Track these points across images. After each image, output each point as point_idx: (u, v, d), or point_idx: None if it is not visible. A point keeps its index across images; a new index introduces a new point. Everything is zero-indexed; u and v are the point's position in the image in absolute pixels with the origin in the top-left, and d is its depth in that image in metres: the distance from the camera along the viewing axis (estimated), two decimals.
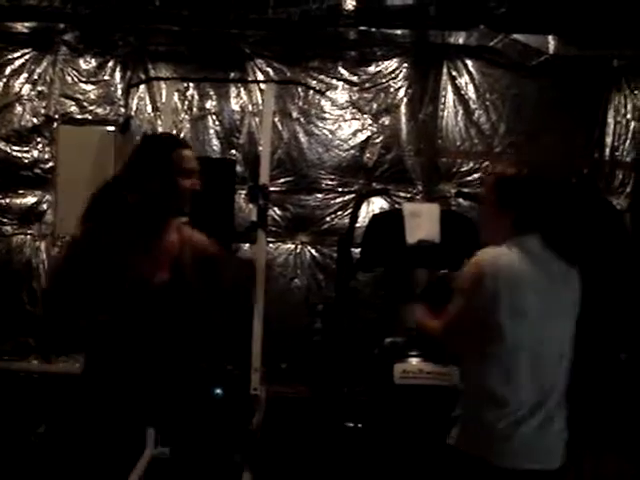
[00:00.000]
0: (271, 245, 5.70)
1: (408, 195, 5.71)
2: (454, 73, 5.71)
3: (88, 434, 2.75)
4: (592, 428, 4.32)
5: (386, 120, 5.78)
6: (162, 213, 2.75)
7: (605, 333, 4.65)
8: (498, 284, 2.48)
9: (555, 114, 5.58)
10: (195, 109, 5.85)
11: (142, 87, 5.86)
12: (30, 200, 5.94)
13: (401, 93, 5.75)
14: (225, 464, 4.14)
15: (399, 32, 5.43)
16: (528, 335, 2.52)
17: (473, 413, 2.59)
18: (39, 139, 5.92)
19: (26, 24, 5.63)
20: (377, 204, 5.69)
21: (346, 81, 5.79)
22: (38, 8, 5.21)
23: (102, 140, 5.73)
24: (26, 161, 5.92)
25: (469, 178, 5.68)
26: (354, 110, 5.80)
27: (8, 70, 5.91)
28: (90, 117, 5.88)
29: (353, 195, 5.70)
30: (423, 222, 4.51)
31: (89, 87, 5.89)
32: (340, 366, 4.85)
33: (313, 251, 5.78)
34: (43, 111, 5.91)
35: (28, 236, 5.94)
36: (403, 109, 5.76)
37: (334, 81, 5.79)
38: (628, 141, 5.64)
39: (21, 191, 5.94)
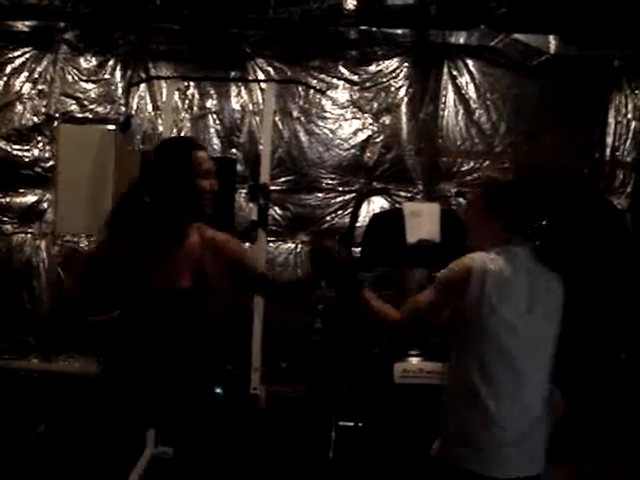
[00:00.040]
0: (271, 244, 5.70)
1: (408, 195, 5.71)
2: (455, 73, 5.71)
3: (101, 434, 2.75)
4: (592, 428, 4.32)
5: (387, 119, 5.78)
6: (183, 216, 2.75)
7: (605, 333, 4.65)
8: (485, 287, 2.47)
9: (556, 114, 5.58)
10: (196, 108, 5.85)
11: (143, 86, 5.86)
12: (30, 199, 5.94)
13: (402, 92, 5.76)
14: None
15: (400, 32, 5.43)
16: (511, 340, 2.50)
17: (456, 422, 2.57)
18: (39, 138, 5.93)
19: (27, 23, 5.63)
20: (377, 203, 5.69)
21: (347, 80, 5.79)
22: (38, 7, 5.21)
23: (102, 139, 5.71)
24: (26, 160, 5.93)
25: (469, 178, 5.67)
26: (355, 109, 5.80)
27: (9, 69, 5.92)
28: (90, 116, 5.89)
29: (353, 194, 5.70)
30: (423, 222, 4.50)
31: (90, 86, 5.89)
32: (340, 366, 4.85)
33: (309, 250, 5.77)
34: (43, 110, 5.91)
35: (28, 235, 5.95)
36: (404, 108, 5.76)
37: (335, 80, 5.79)
38: (629, 141, 5.64)
39: (21, 190, 5.95)
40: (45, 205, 5.93)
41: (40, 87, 5.91)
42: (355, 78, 5.78)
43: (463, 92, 5.70)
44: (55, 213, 5.80)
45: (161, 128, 5.55)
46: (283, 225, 5.81)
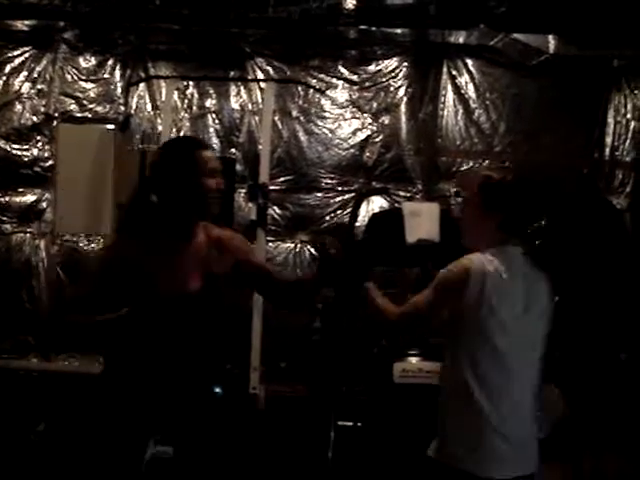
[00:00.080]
0: (270, 244, 5.70)
1: (408, 194, 5.71)
2: (454, 72, 5.70)
3: (104, 434, 2.75)
4: (592, 428, 4.32)
5: (386, 119, 5.77)
6: (190, 215, 2.75)
7: (605, 333, 4.65)
8: (484, 289, 2.48)
9: (555, 114, 5.58)
10: (195, 108, 5.85)
11: (142, 85, 5.86)
12: (30, 198, 5.94)
13: (401, 92, 5.75)
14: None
15: (399, 31, 5.43)
16: (506, 341, 2.51)
17: (452, 422, 2.58)
18: (39, 137, 5.92)
19: (26, 22, 5.63)
20: (377, 203, 5.68)
21: (346, 80, 5.78)
22: (38, 6, 5.21)
23: (102, 138, 5.73)
24: (26, 159, 5.92)
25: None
26: (354, 109, 5.80)
27: (8, 68, 5.91)
28: (90, 115, 5.88)
29: (353, 194, 5.70)
30: (423, 221, 4.50)
31: (89, 85, 5.89)
32: (339, 365, 4.84)
33: (313, 250, 5.78)
34: (43, 109, 5.91)
35: (28, 234, 5.94)
36: (403, 108, 5.76)
37: (334, 80, 5.78)
38: (628, 141, 5.64)
39: (21, 189, 5.94)
40: (44, 204, 5.92)
41: (39, 86, 5.91)
42: (354, 78, 5.77)
43: (462, 92, 5.70)
44: (54, 212, 5.81)
45: (160, 128, 5.55)
46: (282, 225, 5.80)
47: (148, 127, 5.85)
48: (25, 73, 5.91)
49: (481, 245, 2.61)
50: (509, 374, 2.53)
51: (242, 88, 5.82)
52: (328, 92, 5.78)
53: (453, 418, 2.57)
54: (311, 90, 5.77)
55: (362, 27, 5.25)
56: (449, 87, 5.72)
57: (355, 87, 5.79)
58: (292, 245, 5.83)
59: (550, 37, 5.12)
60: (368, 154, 5.78)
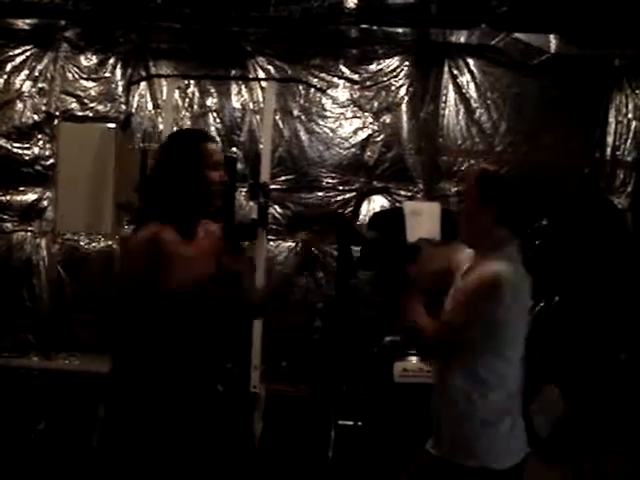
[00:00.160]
0: (271, 243, 5.69)
1: (409, 194, 5.70)
2: (455, 72, 5.69)
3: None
4: (592, 427, 4.32)
5: (387, 118, 5.77)
6: (193, 208, 2.75)
7: (605, 333, 4.65)
8: (517, 299, 2.56)
9: (556, 113, 5.57)
10: (196, 106, 5.84)
11: (143, 84, 5.85)
12: (31, 197, 5.93)
13: (402, 91, 5.75)
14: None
15: (400, 30, 5.42)
16: (518, 341, 2.63)
17: (469, 422, 2.61)
18: (40, 136, 5.92)
19: (27, 21, 5.62)
20: (378, 202, 5.68)
21: (347, 79, 5.78)
22: (39, 5, 5.22)
23: (103, 137, 5.73)
24: (27, 158, 5.92)
25: None
26: (355, 108, 5.79)
27: (9, 67, 5.91)
28: (91, 114, 5.88)
29: (354, 193, 5.70)
30: (424, 221, 4.50)
31: (90, 84, 5.88)
32: (340, 364, 4.85)
33: (313, 249, 5.77)
34: (44, 108, 5.91)
35: (29, 233, 5.94)
36: (404, 107, 5.75)
37: (335, 79, 5.78)
38: (629, 140, 5.63)
39: (22, 188, 5.94)
40: (45, 203, 5.92)
41: (40, 85, 5.90)
42: (356, 77, 5.76)
43: (464, 91, 5.69)
44: (55, 211, 5.82)
45: (161, 126, 5.54)
46: (283, 224, 5.80)
47: (149, 126, 5.85)
48: (26, 72, 5.90)
49: (478, 239, 2.63)
50: (513, 369, 2.64)
51: (243, 87, 5.81)
52: (329, 91, 5.78)
53: (472, 418, 2.62)
54: (312, 89, 5.76)
55: (363, 26, 5.25)
56: (450, 86, 5.71)
57: (356, 86, 5.78)
58: (293, 244, 5.82)
59: (551, 37, 5.11)
60: (369, 153, 5.77)
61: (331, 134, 5.79)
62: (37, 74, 5.90)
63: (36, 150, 5.92)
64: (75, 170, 5.66)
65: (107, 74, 5.87)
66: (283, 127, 5.76)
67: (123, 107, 5.86)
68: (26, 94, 5.92)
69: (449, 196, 5.57)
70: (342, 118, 5.79)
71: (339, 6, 4.99)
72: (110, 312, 2.87)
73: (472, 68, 5.67)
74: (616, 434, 4.37)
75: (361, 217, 5.29)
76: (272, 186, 5.23)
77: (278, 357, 5.47)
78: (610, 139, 5.62)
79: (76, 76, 5.88)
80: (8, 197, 5.94)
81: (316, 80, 5.76)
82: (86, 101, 5.88)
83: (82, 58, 5.88)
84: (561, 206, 5.20)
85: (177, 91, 5.69)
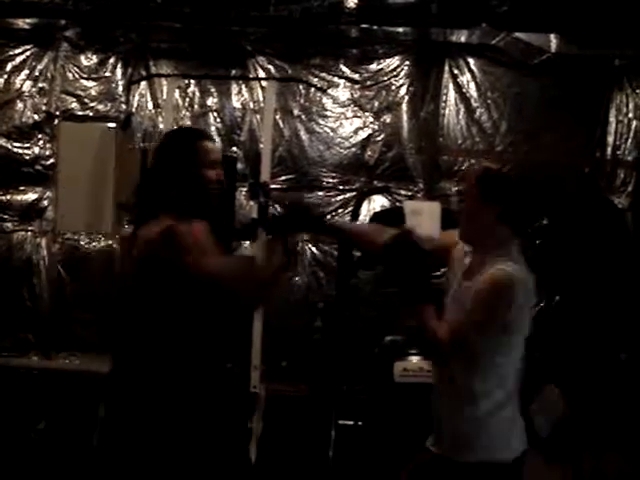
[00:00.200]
0: None
1: (409, 193, 5.70)
2: (456, 71, 5.69)
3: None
4: (592, 427, 4.32)
5: (387, 118, 5.76)
6: (191, 206, 2.75)
7: (605, 333, 4.65)
8: (527, 298, 2.58)
9: (557, 113, 5.57)
10: (196, 106, 5.84)
11: (143, 84, 5.85)
12: (31, 197, 5.93)
13: (402, 91, 5.74)
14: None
15: (401, 30, 5.42)
16: (520, 341, 2.65)
17: (469, 420, 2.63)
18: (40, 135, 5.92)
19: (27, 20, 5.62)
20: (378, 202, 5.68)
21: (347, 79, 5.77)
22: (39, 4, 5.22)
23: (103, 137, 5.74)
24: (27, 157, 5.92)
25: None
26: (355, 108, 5.79)
27: (9, 66, 5.91)
28: (91, 114, 5.88)
29: (354, 193, 5.69)
30: (424, 220, 4.49)
31: (90, 84, 5.89)
32: (340, 364, 4.85)
33: (314, 249, 5.77)
34: (44, 107, 5.91)
35: (29, 233, 5.94)
36: (404, 107, 5.75)
37: (335, 79, 5.77)
38: (630, 140, 5.63)
39: (22, 187, 5.94)
40: (45, 203, 5.92)
41: (41, 85, 5.90)
42: (356, 76, 5.76)
43: (464, 91, 5.69)
44: (55, 211, 5.83)
45: (162, 126, 5.54)
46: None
47: (149, 125, 5.85)
48: (26, 71, 5.91)
49: (479, 238, 2.63)
50: (515, 365, 2.67)
51: (243, 87, 5.81)
52: (329, 91, 5.77)
53: (472, 418, 2.63)
54: (312, 89, 5.76)
55: (364, 26, 5.24)
56: (451, 86, 5.70)
57: (356, 86, 5.78)
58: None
59: (552, 36, 5.11)
60: (369, 153, 5.77)
61: (331, 134, 5.79)
62: (37, 74, 5.90)
63: (36, 150, 5.92)
64: (75, 170, 5.66)
65: (107, 74, 5.87)
66: (283, 127, 5.76)
67: (123, 107, 5.86)
68: (26, 94, 5.92)
69: (449, 195, 5.57)
70: (342, 118, 5.79)
71: (339, 6, 4.99)
72: (110, 312, 2.87)
73: (472, 68, 5.67)
74: (616, 434, 4.37)
75: (361, 217, 5.28)
76: (272, 186, 5.23)
77: (278, 357, 5.47)
78: (610, 139, 5.62)
79: (76, 76, 5.88)
80: (8, 197, 5.94)
81: (316, 80, 5.75)
82: (86, 101, 5.89)
83: (82, 58, 5.88)
84: (561, 206, 5.19)
85: (177, 91, 5.69)
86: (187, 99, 5.82)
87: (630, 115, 5.62)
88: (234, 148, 5.77)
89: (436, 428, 2.76)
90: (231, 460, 3.39)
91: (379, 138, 5.76)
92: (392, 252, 2.66)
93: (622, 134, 5.63)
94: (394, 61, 5.73)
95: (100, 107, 5.88)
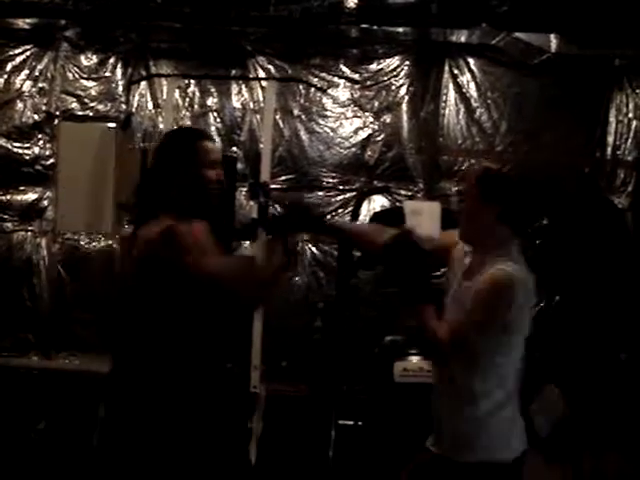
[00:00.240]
0: None
1: (409, 193, 5.70)
2: (456, 71, 5.69)
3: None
4: (592, 427, 4.32)
5: (387, 118, 5.76)
6: (191, 206, 2.75)
7: (605, 333, 4.65)
8: (527, 298, 2.58)
9: (557, 113, 5.57)
10: (196, 106, 5.84)
11: (143, 84, 5.85)
12: (31, 197, 5.93)
13: (402, 91, 5.74)
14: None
15: (401, 30, 5.42)
16: (520, 341, 2.65)
17: (469, 421, 2.63)
18: (40, 135, 5.92)
19: (27, 20, 5.62)
20: (378, 202, 5.68)
21: (347, 79, 5.77)
22: (39, 4, 5.22)
23: (103, 137, 5.74)
24: (27, 157, 5.92)
25: None
26: (355, 108, 5.79)
27: (9, 66, 5.91)
28: (91, 114, 5.88)
29: (354, 193, 5.69)
30: (424, 220, 4.49)
31: (90, 84, 5.89)
32: (340, 364, 4.85)
33: (314, 249, 5.77)
34: (44, 107, 5.91)
35: (29, 233, 5.94)
36: (404, 107, 5.75)
37: (335, 79, 5.77)
38: (630, 140, 5.63)
39: (22, 187, 5.94)
40: (45, 203, 5.92)
41: (41, 85, 5.90)
42: (356, 76, 5.76)
43: (464, 91, 5.69)
44: (55, 211, 5.83)
45: (162, 126, 5.54)
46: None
47: (149, 125, 5.85)
48: (26, 71, 5.90)
49: (479, 238, 2.63)
50: (512, 371, 2.67)
51: (243, 87, 5.81)
52: (329, 91, 5.77)
53: (472, 418, 2.63)
54: (312, 89, 5.76)
55: (363, 26, 5.24)
56: (450, 86, 5.70)
57: (356, 86, 5.78)
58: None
59: (552, 36, 5.11)
60: (369, 153, 5.77)
61: (331, 134, 5.79)
62: (37, 74, 5.90)
63: (36, 150, 5.92)
64: (75, 170, 5.66)
65: (107, 74, 5.87)
66: (283, 127, 5.76)
67: (123, 107, 5.86)
68: (26, 94, 5.92)
69: (449, 195, 5.57)
70: (342, 118, 5.79)
71: (339, 6, 4.99)
72: (111, 311, 2.87)
73: (472, 67, 5.67)
74: (616, 434, 4.37)
75: (361, 217, 5.28)
76: (272, 186, 5.23)
77: (278, 357, 5.47)
78: (610, 139, 5.62)
79: (76, 76, 5.88)
80: (8, 197, 5.94)
81: (316, 80, 5.76)
82: (86, 101, 5.89)
83: (82, 58, 5.88)
84: (561, 206, 5.19)
85: (177, 91, 5.69)
86: (187, 99, 5.82)
87: (630, 115, 5.62)
88: (234, 148, 5.77)
89: (436, 428, 2.77)
90: (231, 460, 3.39)
91: (379, 138, 5.76)
92: (392, 252, 2.65)
93: (622, 134, 5.63)
94: (394, 61, 5.73)
95: (100, 107, 5.88)
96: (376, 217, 5.01)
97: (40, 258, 5.91)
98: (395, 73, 5.73)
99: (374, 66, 5.75)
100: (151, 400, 2.69)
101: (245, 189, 5.43)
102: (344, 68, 5.76)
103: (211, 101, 5.84)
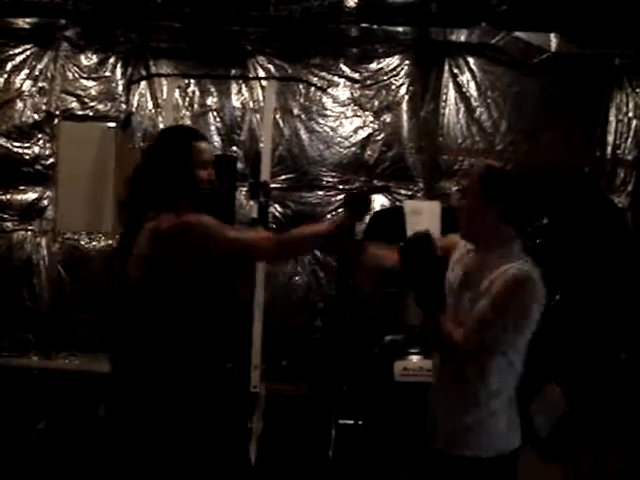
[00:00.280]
0: None
1: (409, 192, 5.70)
2: (455, 71, 5.69)
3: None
4: (592, 427, 4.31)
5: (387, 117, 5.77)
6: (181, 205, 2.75)
7: (605, 333, 4.65)
8: (543, 297, 2.61)
9: (556, 112, 5.57)
10: (196, 106, 5.84)
11: (143, 83, 5.86)
12: (31, 196, 5.93)
13: (402, 90, 5.74)
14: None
15: (401, 29, 5.42)
16: (525, 341, 2.66)
17: (468, 420, 2.63)
18: (40, 135, 5.92)
19: (27, 20, 5.62)
20: (378, 201, 5.68)
21: (347, 78, 5.77)
22: (39, 4, 5.22)
23: (103, 136, 5.74)
24: (27, 157, 5.92)
25: None
26: (355, 107, 5.79)
27: (9, 66, 5.91)
28: (91, 113, 5.88)
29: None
30: (424, 220, 4.49)
31: (90, 83, 5.89)
32: (340, 364, 4.85)
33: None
34: (44, 107, 5.91)
35: (29, 232, 5.94)
36: (404, 106, 5.75)
37: (335, 78, 5.78)
38: (630, 139, 5.63)
39: (22, 187, 5.94)
40: (45, 202, 5.92)
41: (41, 84, 5.91)
42: (356, 76, 5.76)
43: (464, 90, 5.69)
44: (55, 210, 5.83)
45: (162, 126, 5.54)
46: (283, 223, 5.79)
47: (149, 125, 5.85)
48: (26, 71, 5.91)
49: (480, 236, 2.63)
50: (513, 371, 2.67)
51: (243, 86, 5.82)
52: (329, 90, 5.78)
53: (471, 417, 2.63)
54: (312, 88, 5.76)
55: (363, 25, 5.24)
56: (450, 85, 5.71)
57: (356, 85, 5.78)
58: None
59: (552, 35, 5.11)
60: (369, 152, 5.77)
61: (331, 133, 5.79)
62: (37, 73, 5.90)
63: (36, 149, 5.92)
64: (75, 169, 5.66)
65: (107, 73, 5.87)
66: (283, 126, 5.76)
67: (123, 106, 5.86)
68: (26, 93, 5.92)
69: (449, 195, 5.57)
70: (342, 117, 5.79)
71: (339, 5, 4.99)
72: (111, 312, 2.86)
73: (472, 67, 5.67)
74: (616, 434, 4.36)
75: None
76: (272, 185, 5.23)
77: (278, 356, 5.48)
78: (610, 138, 5.62)
79: (76, 75, 5.88)
80: (8, 196, 5.94)
81: (316, 79, 5.76)
82: (86, 100, 5.89)
83: (82, 57, 5.88)
84: (562, 205, 5.19)
85: (177, 90, 5.70)
86: (187, 99, 5.82)
87: (630, 114, 5.62)
88: (234, 147, 5.77)
89: (431, 428, 2.75)
90: (231, 460, 3.39)
91: (379, 137, 5.76)
92: (409, 255, 2.65)
93: (622, 133, 5.63)
94: (394, 60, 5.73)
95: (100, 107, 5.88)
96: (376, 217, 5.01)
97: (40, 258, 5.91)
98: (395, 72, 5.73)
99: (374, 65, 5.75)
100: (151, 400, 2.69)
101: (245, 188, 5.43)
102: (344, 67, 5.76)
103: (211, 101, 5.84)
